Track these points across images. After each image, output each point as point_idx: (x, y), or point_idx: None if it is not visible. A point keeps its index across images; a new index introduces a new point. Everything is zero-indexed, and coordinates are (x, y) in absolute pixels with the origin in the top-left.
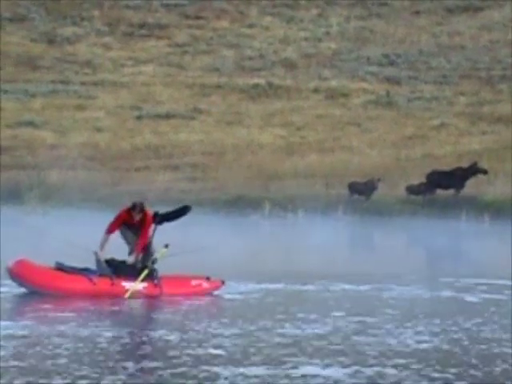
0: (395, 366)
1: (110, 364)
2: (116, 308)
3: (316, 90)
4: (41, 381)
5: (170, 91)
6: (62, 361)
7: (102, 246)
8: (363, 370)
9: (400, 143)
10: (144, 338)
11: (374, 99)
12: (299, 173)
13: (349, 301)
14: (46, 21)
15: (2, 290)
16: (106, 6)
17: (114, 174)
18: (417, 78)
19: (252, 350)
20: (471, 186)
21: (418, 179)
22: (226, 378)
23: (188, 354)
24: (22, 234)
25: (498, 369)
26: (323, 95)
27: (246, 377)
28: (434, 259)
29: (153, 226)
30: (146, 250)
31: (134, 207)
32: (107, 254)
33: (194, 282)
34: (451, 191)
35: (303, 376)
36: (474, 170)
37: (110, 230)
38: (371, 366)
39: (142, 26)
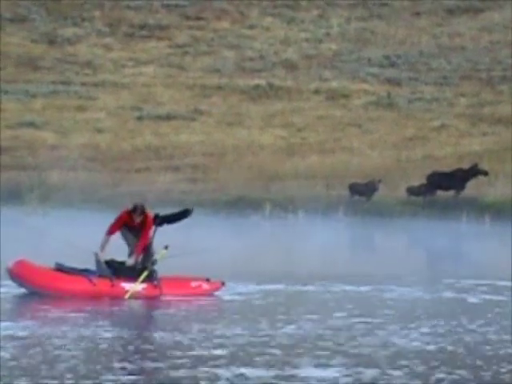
0: (397, 367)
1: (111, 365)
2: (116, 309)
3: (317, 91)
4: (41, 382)
5: (171, 92)
6: (63, 362)
7: (103, 247)
8: (364, 371)
9: (400, 144)
10: (144, 339)
11: (375, 100)
12: (300, 174)
13: (350, 302)
14: (46, 21)
15: (2, 290)
16: (106, 7)
17: (115, 174)
18: (417, 79)
19: (253, 351)
20: (472, 188)
21: (418, 180)
22: (227, 379)
23: (189, 355)
24: (23, 235)
25: (500, 370)
26: (324, 96)
27: (247, 378)
28: (435, 260)
29: (153, 227)
30: (146, 251)
31: (134, 209)
32: (107, 255)
33: (193, 284)
34: (452, 192)
35: (304, 377)
36: (474, 172)
37: (110, 232)
38: (373, 367)
39: (142, 26)
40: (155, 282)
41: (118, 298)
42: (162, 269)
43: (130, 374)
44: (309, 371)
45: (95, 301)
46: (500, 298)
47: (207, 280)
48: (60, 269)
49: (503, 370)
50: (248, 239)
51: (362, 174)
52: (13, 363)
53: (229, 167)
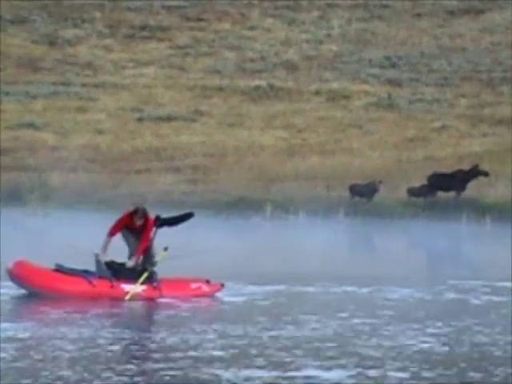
0: (398, 368)
1: (112, 366)
2: (116, 310)
3: (317, 92)
4: (42, 383)
5: (172, 93)
6: (63, 363)
7: (104, 248)
8: (366, 372)
9: (401, 145)
10: (145, 340)
11: (376, 101)
12: (300, 175)
13: (351, 303)
14: (47, 23)
15: (2, 291)
16: (107, 8)
17: (115, 176)
18: (418, 80)
19: (254, 352)
20: (472, 188)
21: (419, 181)
22: (227, 381)
23: (190, 356)
24: (23, 236)
25: (501, 371)
26: (324, 97)
27: (248, 379)
28: (436, 261)
29: (154, 229)
30: (147, 253)
31: (136, 212)
32: (108, 257)
33: (193, 285)
34: (452, 193)
35: (305, 378)
36: (475, 173)
37: (111, 233)
38: (373, 368)
39: (143, 27)
40: (155, 284)
41: (117, 299)
42: (162, 270)
43: (130, 375)
44: (310, 372)
45: (95, 302)
46: (501, 298)
47: (207, 281)
48: (60, 270)
49: (509, 371)
50: (248, 240)
51: (362, 175)
52: (13, 364)
53: (229, 168)
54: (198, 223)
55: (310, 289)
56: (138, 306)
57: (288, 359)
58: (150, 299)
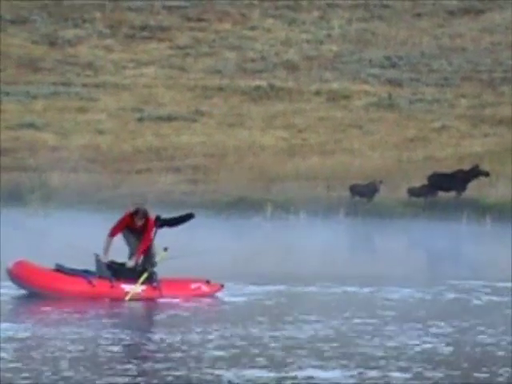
0: (399, 369)
1: (112, 366)
2: (117, 310)
3: (318, 92)
4: (42, 383)
5: (172, 93)
6: (64, 363)
7: (106, 249)
8: (367, 372)
9: (401, 145)
10: (146, 341)
11: (376, 101)
12: (301, 175)
13: (351, 303)
14: (47, 23)
15: (2, 291)
16: (107, 8)
17: (116, 176)
18: (418, 80)
19: (255, 352)
20: (473, 189)
21: (419, 181)
22: (228, 381)
23: (190, 357)
24: (24, 236)
25: (502, 371)
26: (325, 97)
27: (249, 379)
28: (436, 261)
29: (154, 229)
30: (147, 253)
31: (136, 212)
32: (108, 257)
33: (193, 285)
34: (453, 193)
35: (306, 378)
36: (475, 173)
37: (112, 233)
38: (375, 368)
39: (143, 28)
40: (155, 284)
41: (117, 299)
42: (163, 270)
43: (131, 376)
44: (311, 372)
45: (95, 302)
46: (502, 299)
47: (207, 282)
48: (60, 270)
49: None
50: (249, 240)
51: (362, 175)
52: (13, 364)
53: (230, 168)
54: (198, 223)
55: (311, 289)
56: (138, 306)
57: (289, 359)
58: (150, 299)
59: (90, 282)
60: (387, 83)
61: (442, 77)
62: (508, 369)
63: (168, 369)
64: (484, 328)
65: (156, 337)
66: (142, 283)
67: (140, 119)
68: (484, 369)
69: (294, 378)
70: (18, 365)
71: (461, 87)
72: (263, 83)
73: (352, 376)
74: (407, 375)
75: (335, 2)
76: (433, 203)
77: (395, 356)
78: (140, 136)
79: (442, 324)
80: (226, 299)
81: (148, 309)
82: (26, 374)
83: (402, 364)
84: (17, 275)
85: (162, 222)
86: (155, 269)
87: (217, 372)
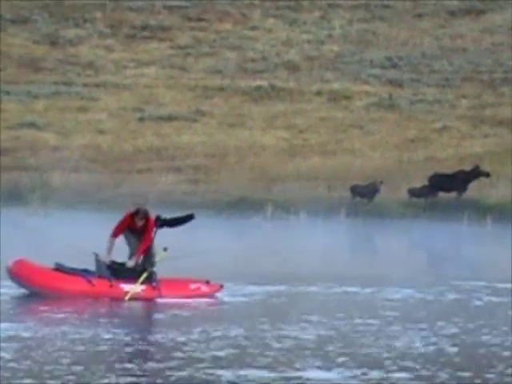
0: (401, 369)
1: (113, 366)
2: (117, 310)
3: (318, 93)
4: (42, 383)
5: (173, 93)
6: (65, 363)
7: (109, 249)
8: (368, 372)
9: (402, 146)
10: (146, 341)
11: (377, 102)
12: (301, 175)
13: (353, 303)
14: (48, 23)
15: (2, 291)
16: (108, 8)
17: (116, 175)
18: (419, 81)
19: (256, 352)
20: (473, 189)
21: (420, 182)
22: (228, 381)
23: (191, 357)
24: (24, 236)
25: (503, 372)
26: (326, 98)
27: (250, 380)
28: (437, 262)
29: (154, 229)
30: (147, 253)
31: (137, 212)
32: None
33: (192, 286)
34: (453, 194)
35: (307, 379)
36: (476, 173)
37: (114, 234)
38: (376, 368)
39: (144, 28)
40: (154, 284)
41: (116, 299)
42: (163, 270)
43: (131, 376)
44: (312, 373)
45: (95, 302)
46: (503, 299)
47: (207, 282)
48: (59, 269)
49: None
50: (249, 240)
51: (363, 176)
52: (13, 364)
53: (230, 168)
54: (198, 223)
55: (311, 289)
56: (138, 306)
57: (290, 360)
58: (149, 299)
59: (89, 282)
60: (388, 84)
61: (443, 77)
62: (511, 370)
63: (168, 369)
64: (485, 329)
65: (156, 337)
66: (142, 283)
67: (141, 119)
68: (486, 369)
69: (295, 378)
70: (18, 364)
71: (461, 88)
72: (264, 83)
73: (353, 376)
74: (409, 375)
75: (336, 2)
76: (433, 204)
77: (397, 356)
78: (141, 136)
79: (444, 324)
80: (227, 299)
81: (148, 309)
82: (26, 374)
83: (404, 364)
84: (16, 274)
85: (162, 222)
86: (155, 269)
87: (217, 372)
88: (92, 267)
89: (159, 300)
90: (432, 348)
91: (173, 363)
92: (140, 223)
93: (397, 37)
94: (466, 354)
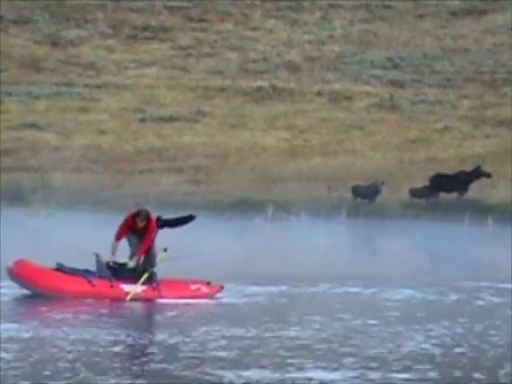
0: (402, 370)
1: (114, 367)
2: (118, 311)
3: (319, 93)
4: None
5: (174, 94)
6: (65, 363)
7: (113, 253)
8: (369, 373)
9: (403, 146)
10: (147, 341)
11: (378, 102)
12: (302, 176)
13: (353, 304)
14: (49, 23)
15: (3, 291)
16: (109, 9)
17: (118, 176)
18: (420, 82)
19: (257, 353)
20: (474, 190)
21: (421, 182)
22: (230, 382)
23: (192, 357)
24: (25, 236)
25: (505, 372)
26: (327, 98)
27: (251, 380)
28: (438, 262)
29: (155, 230)
30: (148, 253)
31: (138, 213)
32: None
33: (192, 286)
34: (455, 194)
35: (308, 379)
36: (477, 174)
37: (118, 237)
38: (377, 369)
39: (145, 28)
40: (154, 284)
41: (117, 299)
42: (164, 271)
43: (132, 376)
44: (313, 373)
45: (96, 302)
46: (504, 300)
47: (208, 283)
48: (60, 269)
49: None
50: (250, 241)
51: (364, 176)
52: (14, 365)
53: (231, 169)
54: (200, 224)
55: (312, 290)
56: (139, 306)
57: (291, 360)
58: (149, 300)
59: (89, 282)
60: (389, 84)
61: (444, 78)
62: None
63: (169, 369)
64: (487, 329)
65: (157, 338)
66: (143, 283)
67: (142, 120)
68: (487, 369)
69: (296, 378)
70: (19, 365)
71: (463, 88)
72: (265, 84)
73: (355, 377)
74: (410, 376)
75: (337, 2)
76: (434, 204)
77: (398, 357)
78: (142, 136)
79: (445, 325)
80: (228, 300)
81: (149, 309)
82: (27, 375)
83: (405, 365)
84: (17, 274)
85: (163, 223)
86: (155, 269)
87: (218, 373)
88: (93, 268)
89: (159, 300)
90: (434, 348)
91: (174, 364)
92: (141, 224)
93: (398, 37)
94: (469, 354)
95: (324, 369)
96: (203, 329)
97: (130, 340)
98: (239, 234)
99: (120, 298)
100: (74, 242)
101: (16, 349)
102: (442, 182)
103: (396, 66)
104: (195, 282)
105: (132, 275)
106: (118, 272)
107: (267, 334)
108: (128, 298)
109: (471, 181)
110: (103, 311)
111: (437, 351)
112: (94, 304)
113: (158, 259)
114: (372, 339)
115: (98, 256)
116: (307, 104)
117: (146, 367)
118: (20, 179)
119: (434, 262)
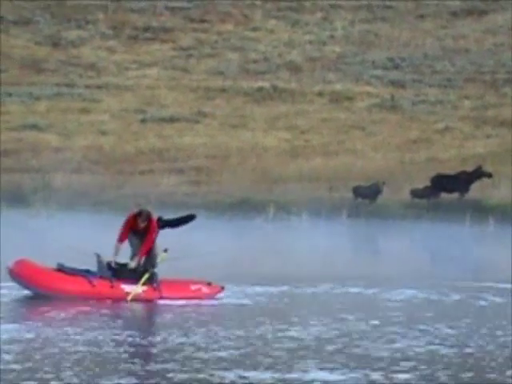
0: (403, 370)
1: (115, 367)
2: (119, 311)
3: (320, 94)
4: None
5: (175, 94)
6: (67, 364)
7: (116, 254)
8: (371, 373)
9: (404, 147)
10: (148, 342)
11: (379, 103)
12: (303, 176)
13: (355, 304)
14: (50, 24)
15: (3, 292)
16: (110, 10)
17: (118, 177)
18: (421, 82)
19: (258, 353)
20: (476, 190)
21: (422, 183)
22: (231, 383)
23: (193, 358)
24: (26, 237)
25: (506, 372)
26: (328, 99)
27: (252, 381)
28: (439, 263)
29: (156, 230)
30: (149, 254)
31: (140, 214)
32: (108, 257)
33: (193, 287)
34: (456, 195)
35: (310, 380)
36: (478, 174)
37: (120, 239)
38: (379, 369)
39: (146, 29)
40: (155, 285)
41: (117, 299)
42: (165, 271)
43: (133, 377)
44: (314, 374)
45: (97, 303)
46: (505, 300)
47: (208, 284)
48: (61, 269)
49: None
50: (251, 241)
51: (365, 177)
52: (15, 366)
53: (232, 169)
54: (200, 224)
55: (314, 290)
56: (140, 307)
57: (292, 361)
58: (150, 300)
59: (90, 282)
60: (390, 84)
61: (445, 78)
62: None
63: (171, 370)
64: (489, 329)
65: (158, 338)
66: (143, 284)
67: (143, 120)
68: (488, 369)
69: (298, 379)
70: (21, 366)
71: (464, 88)
72: (266, 84)
73: (356, 378)
74: (412, 377)
75: (338, 3)
76: (436, 204)
77: (400, 358)
78: (143, 137)
79: (447, 325)
80: (229, 300)
81: (150, 310)
82: (28, 376)
83: (407, 366)
84: (18, 274)
85: (164, 223)
86: (156, 270)
87: (219, 373)
88: (94, 268)
89: (160, 301)
90: (435, 349)
91: (174, 364)
92: (142, 225)
93: (399, 37)
94: (470, 354)
95: (326, 369)
96: (204, 329)
97: (130, 341)
98: (240, 235)
99: (121, 299)
100: (75, 243)
101: (17, 350)
102: (443, 183)
103: (397, 67)
104: (196, 283)
105: (133, 276)
106: (119, 272)
107: (268, 335)
108: (129, 298)
109: (472, 181)
110: (104, 312)
111: (439, 352)
112: (95, 304)
113: (158, 260)
114: (374, 340)
115: (98, 256)
116: (308, 104)
117: (147, 367)
118: (21, 180)
119: (435, 262)
